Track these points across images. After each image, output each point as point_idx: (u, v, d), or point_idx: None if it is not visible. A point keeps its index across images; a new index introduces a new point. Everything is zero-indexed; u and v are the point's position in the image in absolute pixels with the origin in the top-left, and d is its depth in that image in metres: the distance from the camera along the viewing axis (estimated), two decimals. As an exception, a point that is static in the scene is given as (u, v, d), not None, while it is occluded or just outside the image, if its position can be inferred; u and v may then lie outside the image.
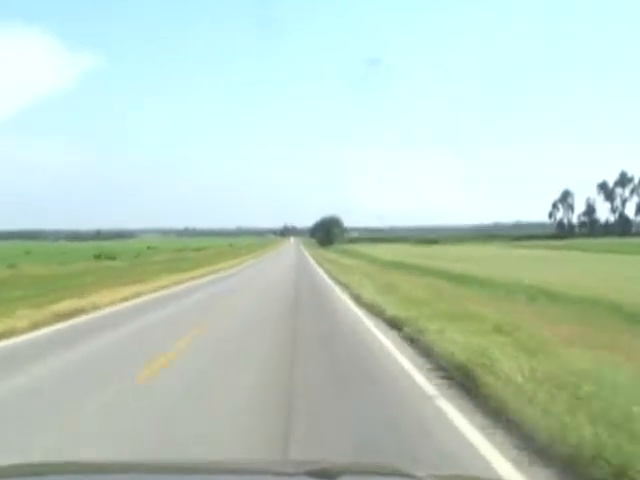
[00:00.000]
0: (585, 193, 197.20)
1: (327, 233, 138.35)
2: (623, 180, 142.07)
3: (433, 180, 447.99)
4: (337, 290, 22.85)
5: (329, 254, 71.46)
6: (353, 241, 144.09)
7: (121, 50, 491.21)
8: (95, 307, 16.22)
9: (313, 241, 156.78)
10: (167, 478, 2.15)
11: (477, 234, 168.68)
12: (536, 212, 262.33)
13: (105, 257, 54.69)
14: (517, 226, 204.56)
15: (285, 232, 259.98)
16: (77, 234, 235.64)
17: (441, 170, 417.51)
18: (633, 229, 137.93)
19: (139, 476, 2.11)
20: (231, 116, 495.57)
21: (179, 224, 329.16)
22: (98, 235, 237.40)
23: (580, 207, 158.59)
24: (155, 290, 22.50)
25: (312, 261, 55.73)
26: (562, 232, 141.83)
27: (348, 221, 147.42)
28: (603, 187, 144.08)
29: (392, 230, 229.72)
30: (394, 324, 12.27)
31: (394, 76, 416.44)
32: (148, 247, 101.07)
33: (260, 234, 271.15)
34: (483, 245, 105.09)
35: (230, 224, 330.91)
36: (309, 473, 1.91)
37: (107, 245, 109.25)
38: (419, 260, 44.37)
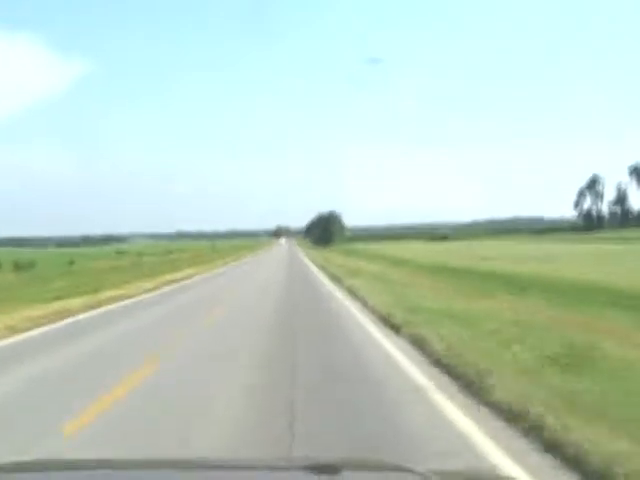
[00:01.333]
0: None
1: (324, 231, 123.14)
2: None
3: (429, 178, 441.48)
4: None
5: (339, 258, 49.12)
6: (353, 240, 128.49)
7: (111, 55, 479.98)
8: None
9: (308, 241, 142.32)
10: (166, 475, 2.07)
11: (475, 230, 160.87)
12: (532, 208, 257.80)
13: (13, 266, 39.74)
14: (514, 221, 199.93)
15: (278, 233, 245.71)
16: (66, 239, 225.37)
17: (436, 168, 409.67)
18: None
19: (137, 473, 2.06)
20: (226, 118, 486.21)
21: (171, 227, 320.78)
22: (86, 240, 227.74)
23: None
24: None
25: (321, 277, 28.90)
26: (590, 224, 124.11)
27: (343, 220, 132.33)
28: (636, 171, 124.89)
29: (389, 228, 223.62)
30: None
31: (393, 75, 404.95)
32: (116, 252, 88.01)
33: (253, 236, 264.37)
34: (510, 240, 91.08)
35: (223, 226, 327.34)
36: (310, 468, 1.84)
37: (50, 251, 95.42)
38: (482, 263, 29.96)
